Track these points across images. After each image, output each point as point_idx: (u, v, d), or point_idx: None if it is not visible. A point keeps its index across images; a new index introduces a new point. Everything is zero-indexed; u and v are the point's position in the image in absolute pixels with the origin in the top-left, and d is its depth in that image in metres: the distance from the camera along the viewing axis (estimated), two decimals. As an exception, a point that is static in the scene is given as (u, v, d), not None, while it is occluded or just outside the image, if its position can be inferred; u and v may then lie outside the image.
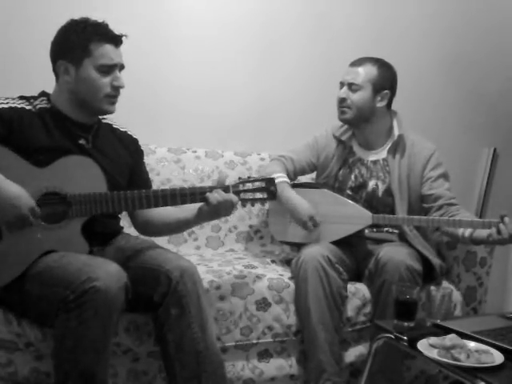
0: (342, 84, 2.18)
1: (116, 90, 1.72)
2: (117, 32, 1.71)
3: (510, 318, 1.76)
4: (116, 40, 1.70)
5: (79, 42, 1.66)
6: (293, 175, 2.29)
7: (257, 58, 2.74)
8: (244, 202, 1.73)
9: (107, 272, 1.48)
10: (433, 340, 1.50)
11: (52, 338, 1.58)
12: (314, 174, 2.39)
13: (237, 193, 1.71)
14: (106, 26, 1.71)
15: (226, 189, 1.70)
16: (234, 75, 2.70)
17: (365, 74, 2.14)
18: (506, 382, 1.39)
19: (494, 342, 1.51)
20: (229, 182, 1.78)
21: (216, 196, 1.67)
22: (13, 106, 1.66)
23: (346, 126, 2.27)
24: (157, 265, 1.67)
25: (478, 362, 1.38)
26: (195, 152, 2.55)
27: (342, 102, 2.16)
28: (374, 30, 2.87)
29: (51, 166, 1.63)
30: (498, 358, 1.42)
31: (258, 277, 2.00)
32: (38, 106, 1.71)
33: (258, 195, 1.72)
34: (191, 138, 2.62)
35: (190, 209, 1.78)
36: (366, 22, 2.87)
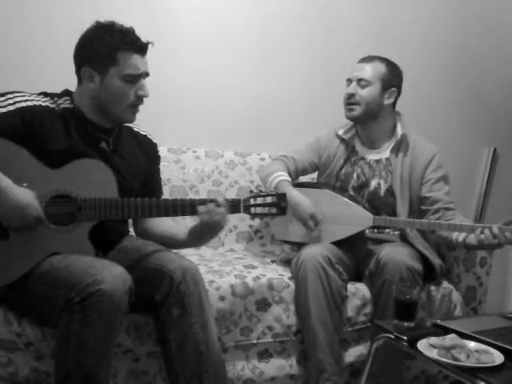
0: (349, 81, 2.19)
1: (140, 99, 1.71)
2: (144, 40, 1.68)
3: (510, 318, 1.76)
4: (144, 49, 1.69)
5: (106, 50, 1.64)
6: (294, 175, 2.29)
7: (257, 58, 2.74)
8: (254, 216, 1.74)
9: (113, 275, 1.48)
10: (433, 340, 1.50)
11: (54, 338, 1.58)
12: (314, 174, 2.39)
13: (247, 207, 1.71)
14: (133, 32, 1.68)
15: (236, 203, 1.71)
16: (234, 75, 2.70)
17: (374, 70, 2.15)
18: (506, 382, 1.39)
19: (494, 342, 1.51)
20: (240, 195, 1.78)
21: (204, 208, 1.66)
22: (37, 103, 1.64)
23: (349, 126, 2.27)
24: (159, 265, 1.67)
25: (478, 362, 1.39)
26: (195, 152, 2.55)
27: (350, 97, 2.16)
28: (373, 30, 2.87)
29: (64, 168, 1.62)
30: (498, 358, 1.42)
31: (258, 277, 2.00)
32: (62, 106, 1.69)
33: (268, 210, 1.73)
34: (191, 138, 2.62)
35: (186, 228, 1.79)
36: (365, 21, 2.87)
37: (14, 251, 1.57)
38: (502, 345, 1.49)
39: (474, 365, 1.38)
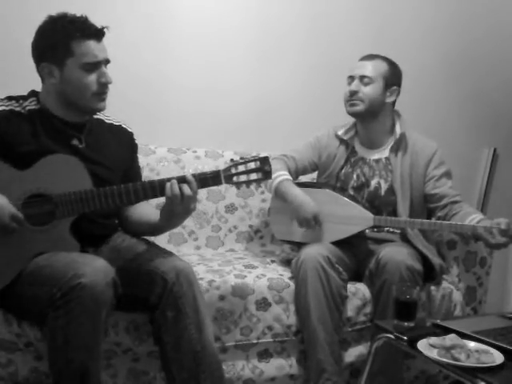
0: (351, 78, 2.18)
1: (104, 86, 1.67)
2: (98, 25, 1.64)
3: (510, 318, 1.76)
4: (98, 34, 1.65)
5: (59, 41, 1.61)
6: (295, 174, 2.29)
7: (257, 58, 2.74)
8: (238, 184, 1.65)
9: (94, 268, 1.47)
10: (433, 340, 1.50)
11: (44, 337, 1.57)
12: (314, 174, 2.39)
13: (229, 177, 1.64)
14: (86, 20, 1.64)
15: (216, 174, 1.64)
16: (234, 75, 2.70)
17: (376, 68, 2.15)
18: (506, 382, 1.38)
19: (494, 342, 1.50)
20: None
21: (174, 187, 1.59)
22: (0, 108, 1.63)
23: (348, 126, 2.28)
24: (152, 266, 1.65)
25: (478, 362, 1.38)
26: (195, 152, 2.55)
27: (353, 94, 2.15)
28: (373, 29, 2.87)
29: (33, 168, 1.60)
30: (498, 358, 1.42)
31: (258, 277, 2.00)
32: (28, 108, 1.67)
33: (253, 176, 1.65)
34: (191, 138, 2.62)
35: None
36: (365, 21, 2.87)
37: None
38: (502, 345, 1.48)
39: (474, 365, 1.38)
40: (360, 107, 2.15)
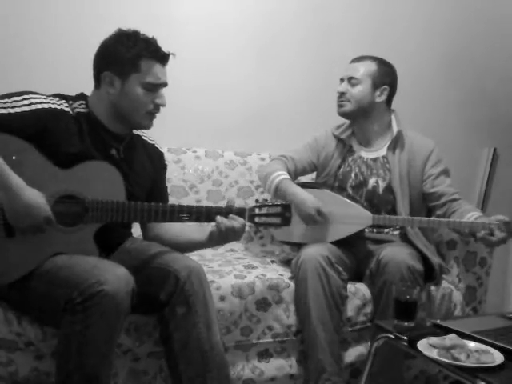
0: (341, 80, 2.23)
1: (157, 107, 1.73)
2: (165, 50, 1.71)
3: (510, 318, 1.76)
4: (165, 59, 1.72)
5: (130, 56, 1.66)
6: (293, 175, 2.29)
7: (256, 58, 2.74)
8: (258, 225, 1.76)
9: (116, 276, 1.48)
10: (433, 340, 1.50)
11: (56, 338, 1.58)
12: (314, 174, 2.39)
13: (252, 216, 1.72)
14: (156, 42, 1.71)
15: (241, 211, 1.71)
16: (234, 75, 2.70)
17: (364, 68, 2.18)
18: (506, 382, 1.38)
19: (494, 342, 1.50)
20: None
21: (225, 221, 1.68)
22: (52, 106, 1.65)
23: (345, 125, 2.28)
24: (164, 264, 1.67)
25: (478, 362, 1.38)
26: (195, 152, 2.55)
27: (341, 95, 2.20)
28: (372, 27, 2.88)
29: (74, 169, 1.63)
30: (498, 358, 1.42)
31: (258, 277, 2.00)
32: (76, 110, 1.70)
33: (273, 220, 1.73)
34: (191, 138, 2.62)
35: (201, 230, 1.80)
36: (364, 19, 2.87)
37: (18, 249, 1.57)
38: (501, 345, 1.48)
39: (474, 365, 1.38)
40: (347, 107, 2.19)
